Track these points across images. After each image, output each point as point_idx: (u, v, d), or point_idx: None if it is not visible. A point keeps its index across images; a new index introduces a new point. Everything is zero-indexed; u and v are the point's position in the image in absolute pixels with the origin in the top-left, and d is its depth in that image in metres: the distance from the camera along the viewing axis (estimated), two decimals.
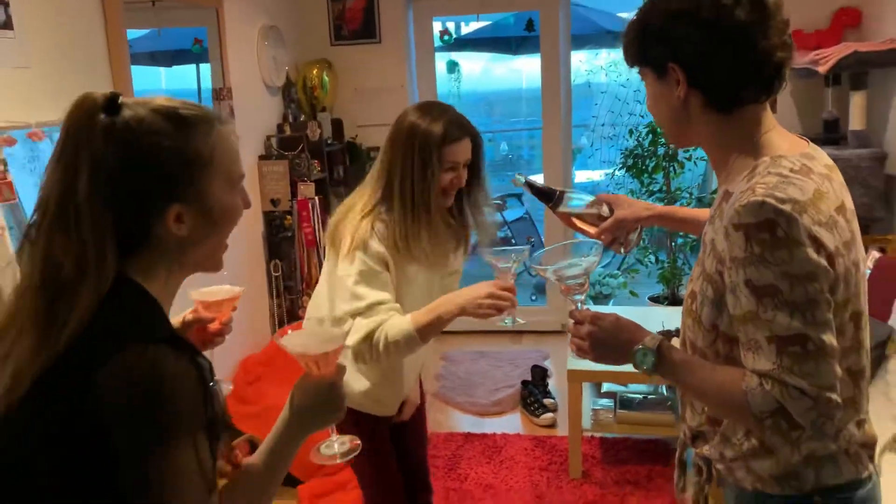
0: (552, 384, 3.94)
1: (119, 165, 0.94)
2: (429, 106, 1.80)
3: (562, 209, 1.65)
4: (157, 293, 0.99)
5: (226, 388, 1.39)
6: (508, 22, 6.91)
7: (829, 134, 4.00)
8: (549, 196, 1.67)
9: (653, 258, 4.51)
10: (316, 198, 3.90)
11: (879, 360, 2.85)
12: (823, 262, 1.08)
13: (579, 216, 1.64)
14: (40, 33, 2.31)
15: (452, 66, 7.12)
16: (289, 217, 3.92)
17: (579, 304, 1.38)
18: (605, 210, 1.62)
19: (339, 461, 1.23)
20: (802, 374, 1.07)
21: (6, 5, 2.14)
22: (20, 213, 2.09)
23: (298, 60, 4.44)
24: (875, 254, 3.40)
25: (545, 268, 1.45)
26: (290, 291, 3.99)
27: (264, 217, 3.93)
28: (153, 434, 0.88)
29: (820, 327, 1.07)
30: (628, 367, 1.89)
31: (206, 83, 3.77)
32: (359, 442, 1.24)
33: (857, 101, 3.72)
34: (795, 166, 1.13)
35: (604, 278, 4.92)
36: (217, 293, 1.30)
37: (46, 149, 2.39)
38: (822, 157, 1.21)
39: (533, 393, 3.79)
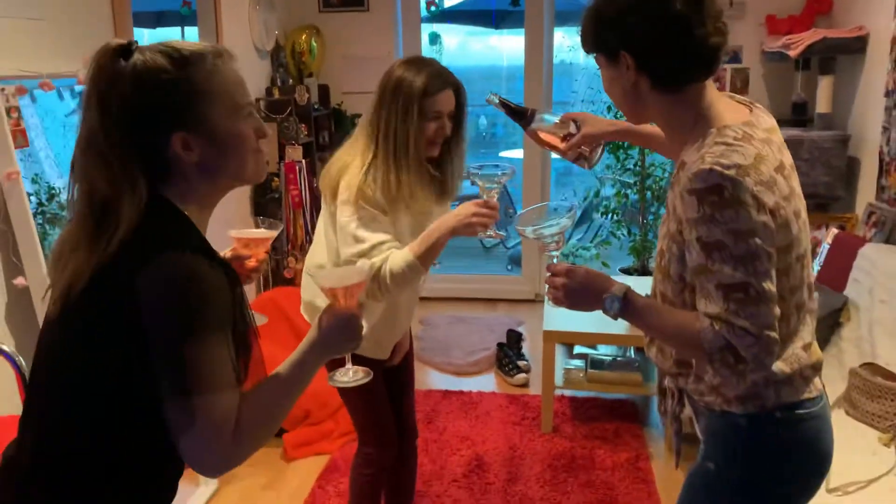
0: (526, 348, 4.11)
1: (130, 99, 1.07)
2: (414, 60, 1.91)
3: (533, 126, 1.74)
4: (194, 213, 1.13)
5: (259, 319, 1.51)
6: None
7: (798, 116, 4.20)
8: (521, 115, 1.75)
9: (625, 231, 4.68)
10: (303, 161, 4.00)
11: (833, 327, 3.06)
12: (764, 218, 1.23)
13: (549, 133, 1.74)
14: None
15: (434, 38, 7.19)
16: (276, 179, 4.01)
17: (554, 260, 1.53)
18: (572, 128, 1.71)
19: (352, 384, 1.36)
20: (746, 316, 1.23)
21: None
22: (42, 151, 2.18)
23: (288, 26, 4.51)
24: (833, 230, 3.61)
25: (524, 228, 1.57)
26: (275, 252, 4.10)
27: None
28: (187, 326, 1.02)
29: (760, 276, 1.23)
30: (600, 329, 2.03)
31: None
32: (370, 371, 1.38)
33: (824, 85, 3.91)
34: (738, 134, 1.28)
35: (577, 250, 5.09)
36: (254, 233, 1.42)
37: (54, 99, 2.48)
38: (762, 122, 1.36)
39: (508, 355, 3.96)
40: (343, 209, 1.85)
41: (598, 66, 1.42)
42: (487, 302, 5.03)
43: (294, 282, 4.09)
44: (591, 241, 5.38)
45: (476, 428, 3.36)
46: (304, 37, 4.45)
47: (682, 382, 1.47)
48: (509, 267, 5.62)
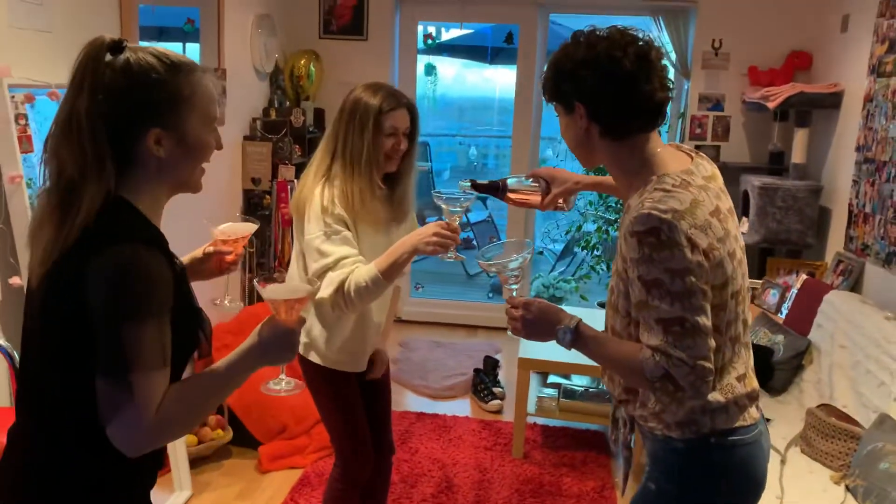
0: (502, 375, 4.20)
1: (114, 89, 1.15)
2: (371, 84, 2.05)
3: (509, 194, 1.87)
4: (146, 209, 1.22)
5: (236, 306, 1.60)
6: (487, 32, 7.18)
7: (774, 165, 4.37)
8: (494, 188, 1.87)
9: (605, 266, 4.81)
10: (295, 180, 4.10)
11: (797, 368, 3.18)
12: (698, 258, 1.35)
13: (524, 195, 1.86)
14: (63, 1, 2.49)
15: (430, 69, 7.36)
16: (268, 197, 4.11)
17: (514, 292, 1.63)
18: (542, 184, 1.85)
19: (283, 394, 1.47)
20: (682, 348, 1.35)
21: None
22: (28, 163, 2.27)
23: (287, 50, 4.64)
24: (803, 276, 3.75)
25: (490, 262, 1.67)
26: (262, 267, 4.18)
27: (244, 194, 4.13)
28: (124, 310, 1.11)
29: (695, 311, 1.35)
30: (574, 360, 2.12)
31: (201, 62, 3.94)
32: (302, 383, 1.47)
33: (799, 136, 4.08)
34: (676, 182, 1.40)
35: (557, 283, 5.21)
36: (235, 231, 1.51)
37: (53, 107, 2.57)
38: (701, 171, 1.48)
39: (483, 381, 4.04)
40: (309, 227, 1.96)
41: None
42: (467, 328, 5.13)
43: (203, 349, 4.16)
44: (573, 275, 5.51)
45: (448, 451, 3.43)
46: (303, 61, 4.58)
47: (630, 409, 1.58)
48: (490, 294, 5.72)
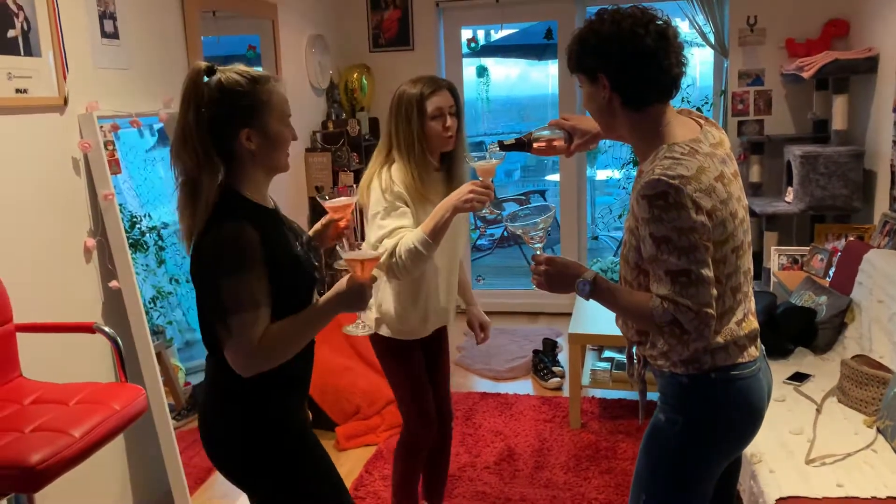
0: (562, 357, 4.41)
1: (212, 102, 1.51)
2: (415, 78, 2.29)
3: (536, 146, 1.98)
4: (251, 193, 1.58)
5: (365, 329, 1.90)
6: (536, 30, 7.39)
7: (817, 133, 4.42)
8: (521, 145, 1.99)
9: None
10: (354, 185, 4.42)
11: (839, 327, 3.27)
12: (702, 218, 1.51)
13: (549, 144, 2.00)
14: (138, 41, 2.88)
15: (482, 71, 7.62)
16: (318, 197, 4.45)
17: (538, 251, 1.81)
18: (565, 134, 1.97)
19: (360, 334, 1.78)
20: (688, 296, 1.52)
21: (115, 19, 2.71)
22: (125, 182, 2.64)
23: (341, 65, 4.99)
24: (851, 240, 3.81)
25: (515, 224, 1.86)
26: (328, 267, 4.52)
27: (309, 202, 4.48)
28: (219, 269, 1.48)
29: (699, 264, 1.52)
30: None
31: None
32: (372, 327, 1.78)
33: (839, 103, 4.13)
34: (685, 150, 1.56)
35: (615, 266, 5.37)
36: (338, 202, 1.86)
37: (135, 137, 2.95)
38: (710, 138, 1.65)
39: (543, 361, 4.26)
40: (373, 205, 2.22)
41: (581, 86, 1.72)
42: (529, 315, 5.34)
43: (321, 286, 4.51)
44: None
45: (510, 424, 3.67)
46: (355, 75, 4.91)
47: (641, 349, 1.78)
48: None
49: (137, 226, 3.06)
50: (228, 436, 1.62)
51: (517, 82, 9.16)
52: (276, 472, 1.63)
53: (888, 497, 2.12)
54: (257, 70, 1.58)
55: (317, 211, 4.48)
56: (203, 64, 1.55)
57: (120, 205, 2.91)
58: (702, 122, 1.70)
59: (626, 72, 1.58)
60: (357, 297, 1.58)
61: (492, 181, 2.12)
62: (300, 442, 1.69)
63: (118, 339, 2.18)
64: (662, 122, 1.63)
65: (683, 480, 1.73)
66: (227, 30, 4.67)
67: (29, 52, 2.29)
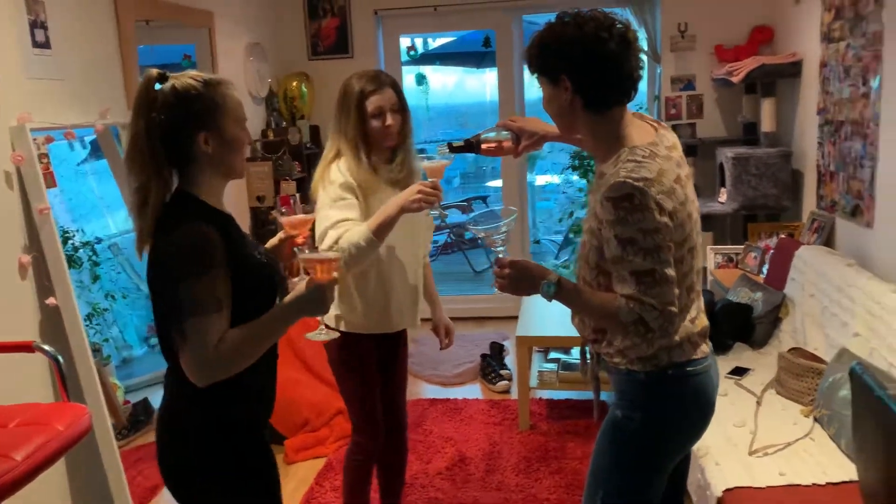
0: (509, 360, 4.45)
1: (167, 106, 1.50)
2: (360, 72, 2.29)
3: (483, 147, 1.99)
4: (207, 197, 1.57)
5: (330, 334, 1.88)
6: (473, 38, 7.46)
7: (748, 135, 4.59)
8: (469, 146, 1.99)
9: None
10: (297, 195, 4.38)
11: (774, 322, 3.39)
12: (665, 219, 1.55)
13: (496, 145, 1.99)
14: (71, 51, 2.79)
15: (421, 79, 7.65)
16: (273, 212, 4.40)
17: (501, 254, 1.80)
18: (512, 136, 1.97)
19: (322, 340, 1.74)
20: (653, 296, 1.56)
21: (45, 28, 2.62)
22: (56, 196, 2.56)
23: (280, 73, 4.94)
24: (782, 237, 3.96)
25: (479, 228, 1.87)
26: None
27: (251, 212, 4.42)
28: (177, 272, 1.44)
29: (663, 264, 1.56)
30: (569, 333, 2.30)
31: None
32: (338, 334, 1.76)
33: (766, 106, 4.30)
34: (646, 153, 1.59)
35: (557, 269, 5.45)
36: (296, 218, 1.80)
37: (66, 150, 2.87)
38: (665, 141, 1.70)
39: (491, 365, 4.29)
40: (321, 198, 2.22)
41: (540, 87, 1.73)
42: (476, 320, 5.38)
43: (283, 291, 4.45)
44: (573, 261, 5.75)
45: (460, 429, 3.68)
46: (294, 83, 4.87)
47: (597, 347, 1.81)
48: (494, 286, 5.96)
49: (70, 241, 2.97)
50: (183, 452, 1.57)
51: (455, 90, 9.22)
52: (226, 496, 1.58)
53: (827, 483, 2.21)
54: (210, 75, 1.58)
55: (259, 221, 4.42)
56: (155, 71, 1.53)
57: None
58: (655, 125, 1.74)
59: (589, 74, 1.61)
60: (318, 300, 1.54)
61: (440, 182, 2.12)
62: (256, 465, 1.63)
63: (59, 357, 2.11)
64: (622, 124, 1.67)
65: (641, 475, 1.77)
66: (161, 38, 4.57)
67: None
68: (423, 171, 2.15)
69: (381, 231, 2.09)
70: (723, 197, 4.40)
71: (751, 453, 2.42)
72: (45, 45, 2.64)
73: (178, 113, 1.50)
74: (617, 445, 1.78)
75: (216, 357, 1.44)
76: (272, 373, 1.67)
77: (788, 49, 4.36)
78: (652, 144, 1.64)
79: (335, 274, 1.59)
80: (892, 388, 2.19)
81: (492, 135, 2.00)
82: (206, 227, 1.48)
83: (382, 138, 2.26)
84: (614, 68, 1.60)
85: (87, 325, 3.06)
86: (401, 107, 2.29)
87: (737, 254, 4.26)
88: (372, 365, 2.44)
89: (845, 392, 2.42)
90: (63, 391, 2.09)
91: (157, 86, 1.50)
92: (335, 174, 2.22)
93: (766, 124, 4.32)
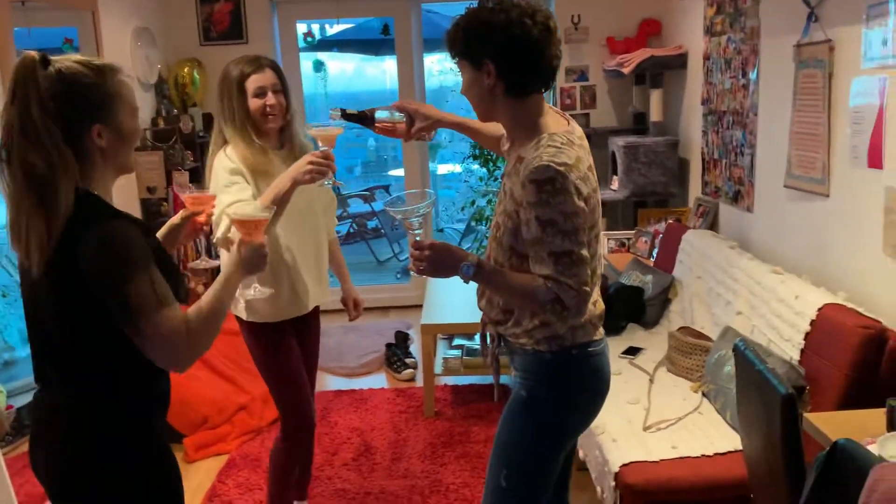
0: (413, 348, 4.47)
1: (57, 95, 1.37)
2: (239, 57, 2.29)
3: (377, 125, 1.95)
4: (100, 192, 1.45)
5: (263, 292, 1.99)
6: (372, 25, 7.41)
7: (638, 125, 4.77)
8: (362, 118, 1.94)
9: None
10: (191, 185, 4.24)
11: (664, 303, 3.56)
12: (582, 204, 1.61)
13: (391, 125, 1.96)
14: None
15: (319, 66, 7.53)
16: (165, 204, 4.24)
17: (418, 237, 1.79)
18: (407, 118, 1.95)
19: (257, 297, 1.91)
20: (569, 276, 1.61)
21: None
22: None
23: (170, 60, 4.75)
24: (670, 222, 4.15)
25: (397, 210, 1.83)
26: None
27: (141, 204, 4.24)
28: (119, 272, 1.35)
29: (580, 245, 1.62)
30: (472, 320, 2.30)
31: None
32: (272, 290, 1.93)
33: (655, 97, 4.48)
34: (563, 140, 1.64)
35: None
36: (200, 194, 1.79)
37: None
38: (576, 131, 1.75)
39: (396, 353, 4.31)
40: (213, 187, 2.20)
41: (460, 73, 1.74)
42: (380, 310, 5.37)
43: (187, 301, 4.32)
44: (476, 249, 5.82)
45: (365, 419, 3.68)
46: (186, 69, 4.70)
47: (501, 329, 1.84)
48: (398, 275, 5.98)
49: None
50: (79, 465, 1.47)
51: (354, 77, 9.15)
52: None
53: (715, 454, 2.35)
54: (99, 60, 1.46)
55: (150, 214, 4.25)
56: (35, 53, 1.38)
57: None
58: (567, 118, 1.79)
59: (513, 60, 1.64)
60: (257, 257, 1.60)
61: (332, 152, 2.07)
62: (158, 468, 1.56)
63: None
64: (540, 111, 1.71)
65: (545, 451, 1.83)
66: (38, 21, 4.30)
67: None
68: (314, 138, 2.11)
69: (276, 206, 2.04)
70: (615, 184, 4.56)
71: (645, 429, 2.53)
72: None
73: (69, 103, 1.38)
74: (522, 423, 1.83)
75: (191, 341, 1.42)
76: (166, 372, 1.60)
77: (675, 42, 4.55)
78: (567, 132, 1.69)
79: (265, 236, 1.64)
80: (771, 363, 2.34)
81: (385, 114, 1.97)
82: (128, 223, 1.40)
83: (265, 120, 2.26)
84: (537, 55, 1.64)
85: None
86: (282, 88, 2.29)
87: (628, 239, 4.43)
88: (293, 350, 2.43)
89: (729, 368, 2.57)
90: None
91: (41, 70, 1.37)
92: (223, 161, 2.21)
93: (655, 114, 4.50)
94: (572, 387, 1.80)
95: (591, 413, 1.87)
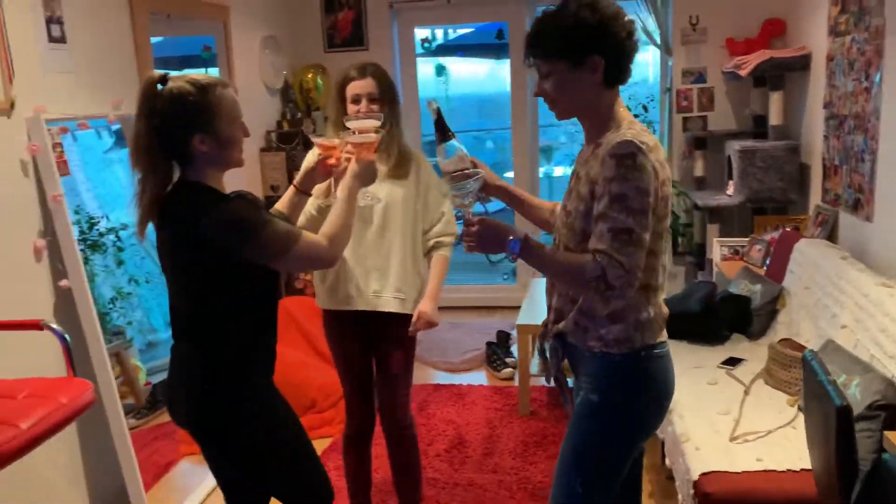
0: (515, 348, 4.52)
1: (164, 112, 1.67)
2: (354, 63, 2.44)
3: (444, 147, 1.87)
4: (213, 183, 1.76)
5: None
6: (492, 29, 7.51)
7: (757, 128, 4.60)
8: (443, 132, 1.88)
9: None
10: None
11: (771, 314, 3.43)
12: (656, 185, 1.63)
13: (448, 165, 1.86)
14: (85, 45, 2.93)
15: (440, 70, 7.71)
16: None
17: (470, 216, 1.79)
18: (468, 165, 1.86)
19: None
20: (624, 254, 1.59)
21: (62, 24, 2.76)
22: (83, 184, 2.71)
23: (295, 66, 5.05)
24: (787, 230, 3.98)
25: (451, 194, 1.84)
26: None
27: (266, 201, 4.54)
28: (251, 227, 1.68)
29: (643, 227, 1.61)
30: None
31: None
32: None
33: (775, 99, 4.31)
34: (643, 127, 1.72)
35: None
36: (329, 140, 2.05)
37: (94, 138, 3.01)
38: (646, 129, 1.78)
39: (496, 352, 4.38)
40: None
41: (546, 74, 1.70)
42: (487, 309, 5.47)
43: (304, 292, 4.58)
44: None
45: (461, 414, 3.78)
46: (310, 75, 4.98)
47: (572, 334, 1.80)
48: (505, 276, 6.05)
49: (96, 227, 3.10)
50: (210, 402, 1.79)
51: (476, 81, 9.27)
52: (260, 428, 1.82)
53: (801, 469, 2.27)
54: (207, 76, 1.72)
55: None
56: (156, 74, 1.69)
57: (78, 206, 2.96)
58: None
59: (623, 53, 1.70)
60: (370, 171, 1.95)
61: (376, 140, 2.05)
62: (273, 403, 1.88)
63: (66, 335, 2.25)
64: (621, 103, 1.77)
65: (619, 454, 1.84)
66: (182, 30, 4.71)
67: None
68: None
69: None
70: (730, 189, 4.42)
71: (731, 439, 2.48)
72: (61, 39, 2.77)
73: (175, 117, 1.67)
74: (596, 428, 1.81)
75: (332, 244, 1.79)
76: (274, 326, 1.89)
77: (799, 42, 4.36)
78: (643, 125, 1.74)
79: (374, 154, 1.98)
80: (869, 379, 2.24)
81: (457, 147, 1.88)
82: (235, 199, 1.71)
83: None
84: (632, 48, 1.71)
85: (111, 309, 3.20)
86: (381, 97, 2.36)
87: (742, 246, 4.28)
88: (341, 340, 2.55)
89: None
90: (69, 367, 2.23)
91: (159, 86, 1.67)
92: (309, 154, 2.32)
93: (774, 117, 4.33)
94: (643, 388, 1.80)
95: (659, 414, 1.87)
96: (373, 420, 2.67)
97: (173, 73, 1.73)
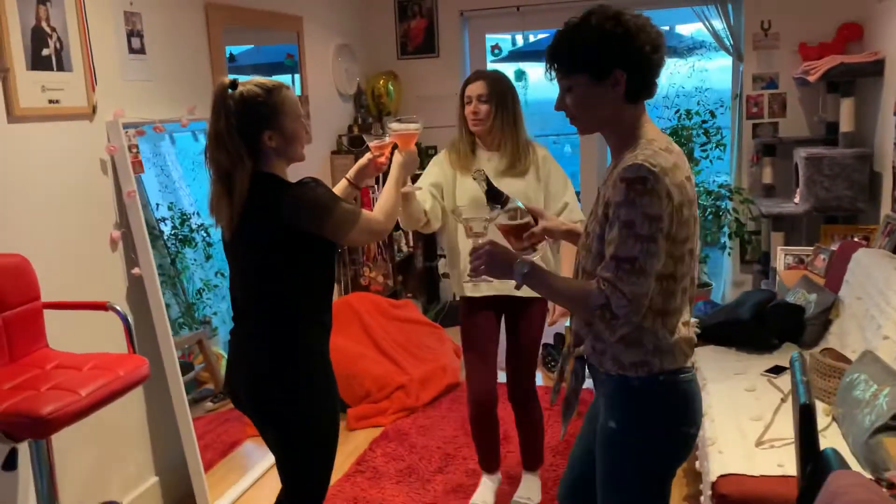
0: None
1: (238, 112, 1.90)
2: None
3: (505, 211, 1.94)
4: (279, 173, 1.98)
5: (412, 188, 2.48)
6: None
7: (829, 135, 4.47)
8: (497, 198, 1.96)
9: None
10: (376, 186, 4.70)
11: (825, 323, 3.36)
12: (670, 210, 1.55)
13: (509, 226, 1.95)
14: (163, 56, 3.21)
15: (520, 75, 7.81)
16: (354, 201, 4.73)
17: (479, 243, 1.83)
18: (530, 220, 1.95)
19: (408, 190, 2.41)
20: (626, 283, 1.55)
21: (142, 37, 3.04)
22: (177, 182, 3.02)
23: (368, 72, 5.27)
24: (848, 240, 3.88)
25: (463, 218, 1.97)
26: (353, 263, 4.81)
27: None
28: (326, 205, 1.92)
29: (650, 254, 1.54)
30: None
31: (298, 90, 4.63)
32: (419, 187, 2.55)
33: (845, 106, 4.19)
34: (662, 146, 1.62)
35: None
36: (379, 142, 2.31)
37: (190, 141, 3.30)
38: (674, 146, 1.71)
39: (552, 354, 4.45)
40: None
41: (567, 88, 1.67)
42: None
43: (368, 288, 4.79)
44: None
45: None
46: (382, 81, 5.19)
47: (582, 350, 1.78)
48: None
49: (187, 223, 3.36)
50: (270, 382, 1.98)
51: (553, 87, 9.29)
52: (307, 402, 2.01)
53: None
54: (271, 80, 1.96)
55: None
56: (227, 80, 1.92)
57: (171, 203, 3.24)
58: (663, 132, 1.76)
59: (648, 67, 1.64)
60: (412, 159, 2.24)
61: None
62: (329, 383, 2.08)
63: (128, 316, 2.50)
64: (646, 118, 1.70)
65: (649, 486, 1.76)
66: (263, 40, 5.01)
67: (61, 68, 2.63)
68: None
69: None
70: (797, 198, 4.33)
71: (757, 444, 2.48)
72: (141, 51, 3.05)
73: (247, 116, 1.89)
74: (622, 457, 1.75)
75: (385, 220, 2.06)
76: (329, 307, 2.09)
77: (877, 47, 4.23)
78: (668, 142, 1.67)
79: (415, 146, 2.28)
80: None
81: (517, 204, 1.97)
82: (304, 183, 1.92)
83: (470, 123, 2.65)
84: (657, 62, 1.65)
85: (198, 300, 3.45)
86: (490, 98, 2.61)
87: (807, 255, 4.19)
88: (472, 325, 2.83)
89: (858, 392, 2.45)
90: (129, 345, 2.48)
91: (230, 91, 1.90)
92: (439, 154, 2.80)
93: (845, 124, 4.21)
94: (661, 416, 1.71)
95: (684, 444, 1.75)
96: (495, 389, 2.96)
97: (242, 78, 1.95)
